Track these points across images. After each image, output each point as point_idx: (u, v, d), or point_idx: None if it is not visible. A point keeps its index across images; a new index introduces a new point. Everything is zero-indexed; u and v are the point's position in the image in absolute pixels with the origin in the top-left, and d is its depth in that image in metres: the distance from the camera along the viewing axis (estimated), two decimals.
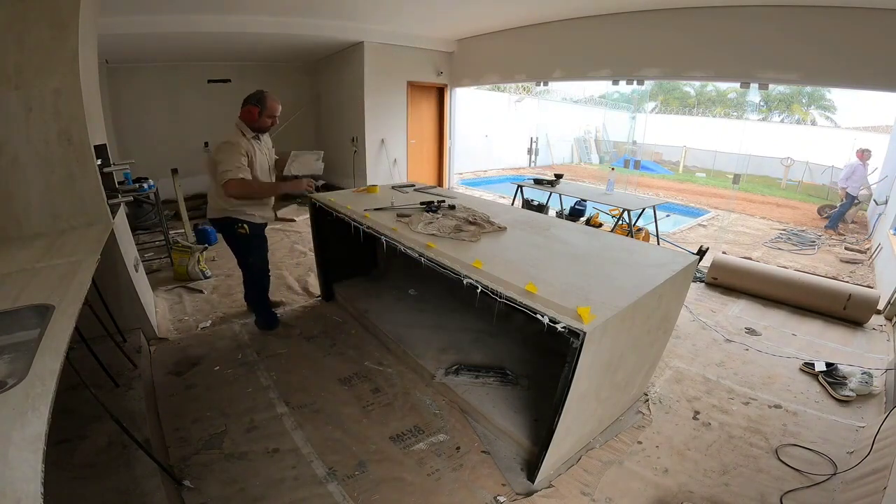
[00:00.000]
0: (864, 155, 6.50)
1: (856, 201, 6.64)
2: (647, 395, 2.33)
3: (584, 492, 1.72)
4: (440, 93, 7.00)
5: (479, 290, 1.69)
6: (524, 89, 13.14)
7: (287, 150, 7.04)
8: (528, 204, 5.70)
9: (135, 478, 1.55)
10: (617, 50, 4.80)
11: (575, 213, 5.40)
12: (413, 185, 3.44)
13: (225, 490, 1.67)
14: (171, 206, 5.05)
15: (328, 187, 6.54)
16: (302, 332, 2.86)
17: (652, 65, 4.63)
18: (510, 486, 1.74)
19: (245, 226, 2.54)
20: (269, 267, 2.87)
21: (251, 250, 2.65)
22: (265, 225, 2.69)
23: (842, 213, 6.58)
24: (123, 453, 1.65)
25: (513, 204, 5.53)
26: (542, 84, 6.16)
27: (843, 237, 6.00)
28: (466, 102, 8.74)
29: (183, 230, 4.59)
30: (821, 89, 13.71)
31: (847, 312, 3.20)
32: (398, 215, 2.48)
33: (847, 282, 3.83)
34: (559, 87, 14.58)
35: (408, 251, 2.09)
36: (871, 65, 3.40)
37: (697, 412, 2.22)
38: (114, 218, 2.29)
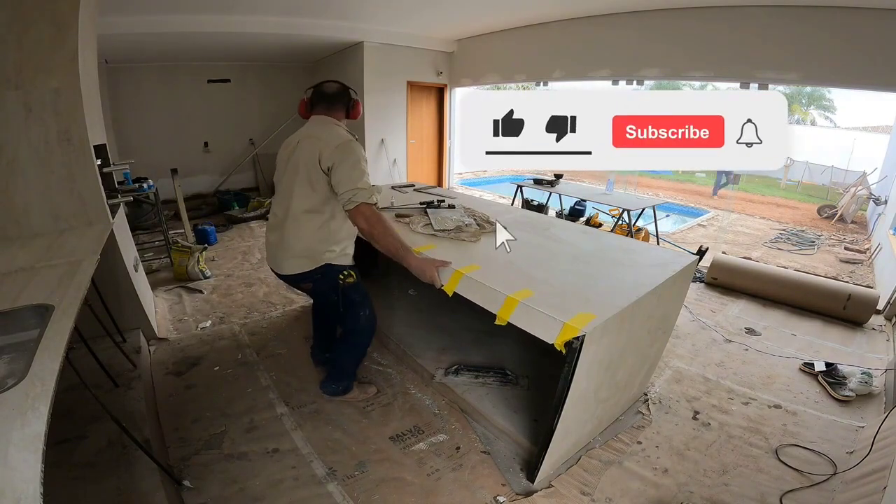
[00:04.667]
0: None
1: None
2: (646, 395, 2.33)
3: (583, 492, 1.72)
4: (440, 93, 7.00)
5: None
6: (524, 89, 13.13)
7: None
8: (527, 204, 5.70)
9: (135, 478, 1.55)
10: (617, 50, 4.79)
11: (575, 213, 5.41)
12: (413, 185, 3.44)
13: (225, 490, 1.67)
14: (171, 206, 5.04)
15: None
16: (302, 333, 2.86)
17: (652, 65, 4.62)
18: (510, 486, 1.74)
19: (352, 272, 1.90)
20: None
21: (363, 302, 1.97)
22: None
23: None
24: (123, 453, 1.65)
25: (513, 204, 5.53)
26: (541, 84, 6.15)
27: None
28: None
29: (183, 230, 4.59)
30: (821, 89, 13.71)
31: (847, 312, 3.20)
32: (398, 215, 2.48)
33: (847, 282, 3.83)
34: (559, 88, 14.57)
35: None
36: (871, 65, 3.40)
37: (697, 412, 2.22)
38: (113, 218, 2.28)
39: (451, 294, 1.75)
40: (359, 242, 1.99)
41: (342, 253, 1.86)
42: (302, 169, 1.73)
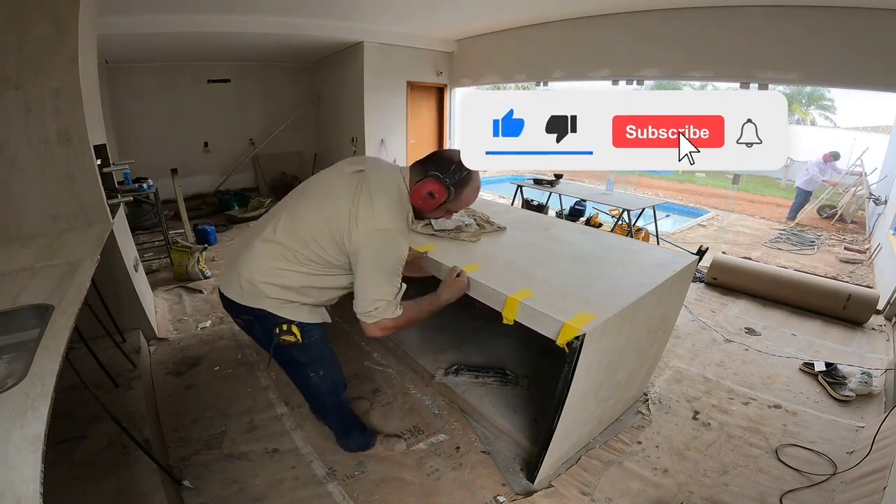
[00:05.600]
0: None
1: None
2: (646, 395, 2.33)
3: (583, 492, 1.72)
4: (440, 93, 7.01)
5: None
6: (524, 89, 13.14)
7: (290, 151, 7.05)
8: (527, 204, 5.70)
9: (135, 478, 1.55)
10: (617, 50, 4.80)
11: (575, 213, 5.40)
12: None
13: (225, 490, 1.67)
14: (171, 206, 5.04)
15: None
16: None
17: (652, 65, 4.63)
18: (510, 486, 1.74)
19: (293, 329, 1.43)
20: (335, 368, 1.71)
21: (311, 364, 1.58)
22: (325, 324, 1.56)
23: None
24: (123, 453, 1.65)
25: (512, 204, 5.53)
26: (541, 84, 6.16)
27: None
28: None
29: (182, 230, 4.59)
30: (821, 89, 13.72)
31: (847, 312, 3.20)
32: None
33: (847, 282, 3.83)
34: (559, 88, 14.58)
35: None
36: (871, 65, 3.41)
37: (697, 412, 2.22)
38: (113, 218, 2.28)
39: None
40: None
41: (298, 307, 1.42)
42: (320, 212, 1.37)
